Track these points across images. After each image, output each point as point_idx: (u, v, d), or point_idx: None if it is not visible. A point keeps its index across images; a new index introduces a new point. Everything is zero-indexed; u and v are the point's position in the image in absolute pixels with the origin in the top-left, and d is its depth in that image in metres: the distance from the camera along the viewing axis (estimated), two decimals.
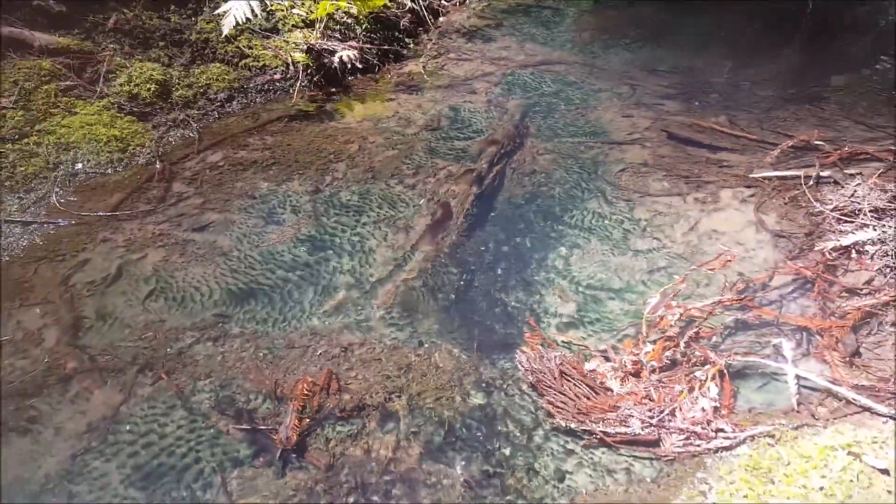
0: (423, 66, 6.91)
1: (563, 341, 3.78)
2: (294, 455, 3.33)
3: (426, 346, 3.86)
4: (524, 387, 3.59)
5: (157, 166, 5.24)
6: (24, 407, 3.60)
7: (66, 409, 3.60)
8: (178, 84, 5.91)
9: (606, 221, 4.59)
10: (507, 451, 3.30)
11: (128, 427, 3.49)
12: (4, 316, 4.05)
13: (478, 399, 3.55)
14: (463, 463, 3.27)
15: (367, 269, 4.42)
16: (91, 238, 4.59)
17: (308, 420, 3.47)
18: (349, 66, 6.65)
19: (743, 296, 3.84)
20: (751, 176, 4.88)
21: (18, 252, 4.45)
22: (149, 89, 5.70)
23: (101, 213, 4.75)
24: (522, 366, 3.59)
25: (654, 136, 5.51)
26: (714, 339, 3.63)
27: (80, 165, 5.10)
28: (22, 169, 4.92)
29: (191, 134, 5.68)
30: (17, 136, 5.07)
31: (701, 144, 5.35)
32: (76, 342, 3.91)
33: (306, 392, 3.57)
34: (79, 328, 4.00)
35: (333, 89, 6.50)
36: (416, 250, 4.51)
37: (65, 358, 3.82)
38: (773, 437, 2.95)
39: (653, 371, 3.43)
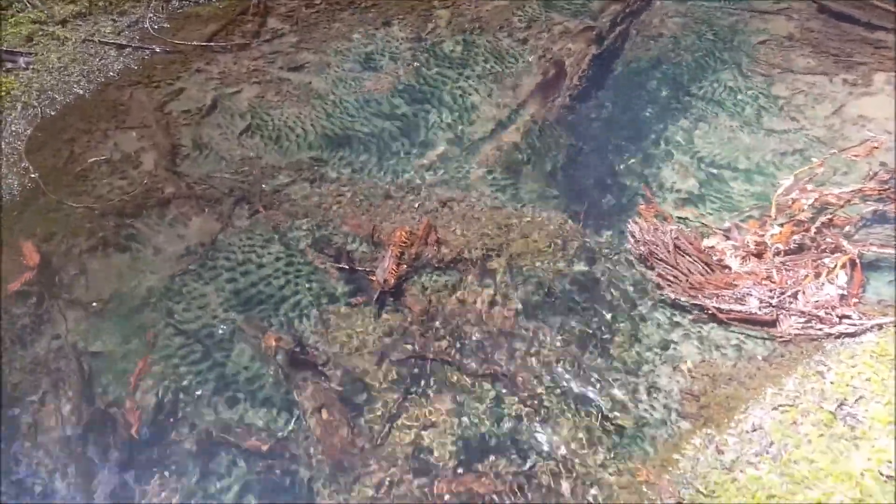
0: None
1: (679, 216, 3.86)
2: (391, 298, 3.62)
3: (529, 208, 4.01)
4: (632, 258, 3.72)
5: None
6: (122, 225, 3.98)
7: (165, 231, 3.96)
8: None
9: (739, 96, 4.51)
10: (608, 318, 3.49)
11: (226, 255, 3.84)
12: (101, 136, 4.39)
13: (581, 265, 3.71)
14: (560, 323, 3.48)
15: (469, 125, 4.52)
16: (186, 67, 4.84)
17: (405, 267, 3.72)
18: None
19: (886, 186, 3.79)
20: None
21: (114, 75, 4.74)
22: None
23: (196, 43, 4.96)
24: (634, 236, 3.71)
25: (803, 8, 5.24)
26: (848, 228, 3.64)
27: None
28: None
29: None
30: None
31: (857, 21, 5.07)
32: (173, 168, 4.24)
33: (404, 240, 3.80)
34: (176, 155, 4.32)
35: None
36: (522, 110, 4.57)
37: (162, 182, 4.15)
38: None
39: (777, 253, 3.50)
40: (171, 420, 3.17)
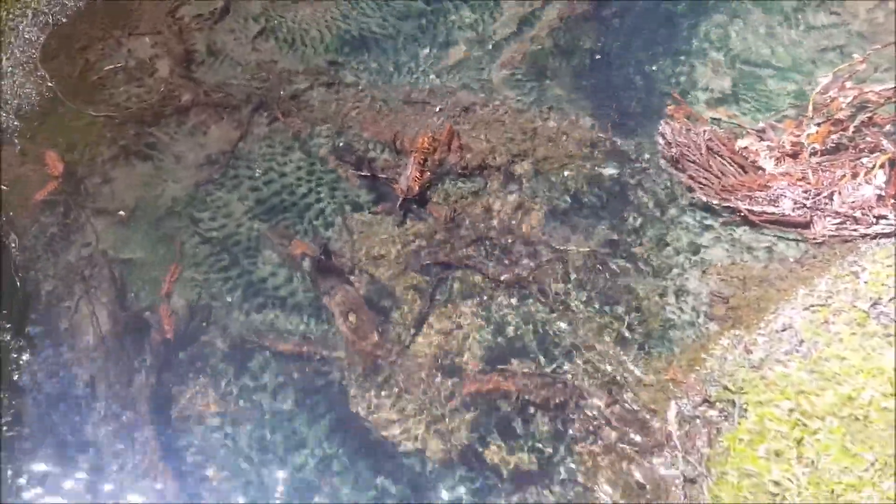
0: None
1: (712, 117, 3.78)
2: (414, 205, 3.63)
3: (555, 111, 3.93)
4: (661, 161, 3.67)
5: None
6: (142, 133, 3.98)
7: (185, 140, 3.96)
8: None
9: None
10: (637, 223, 3.48)
11: (247, 163, 3.84)
12: (115, 43, 4.33)
13: (609, 169, 3.67)
14: (589, 229, 3.48)
15: (491, 24, 4.38)
16: None
17: (429, 173, 3.70)
18: None
19: None
20: None
21: None
22: None
23: None
24: (665, 138, 3.64)
25: None
26: (888, 126, 3.54)
27: None
28: None
29: None
30: None
31: None
32: (189, 75, 4.18)
33: (427, 146, 3.77)
34: (191, 61, 4.25)
35: None
36: (548, 6, 4.41)
37: (179, 90, 4.12)
38: None
39: (813, 154, 3.43)
40: (204, 324, 3.27)
